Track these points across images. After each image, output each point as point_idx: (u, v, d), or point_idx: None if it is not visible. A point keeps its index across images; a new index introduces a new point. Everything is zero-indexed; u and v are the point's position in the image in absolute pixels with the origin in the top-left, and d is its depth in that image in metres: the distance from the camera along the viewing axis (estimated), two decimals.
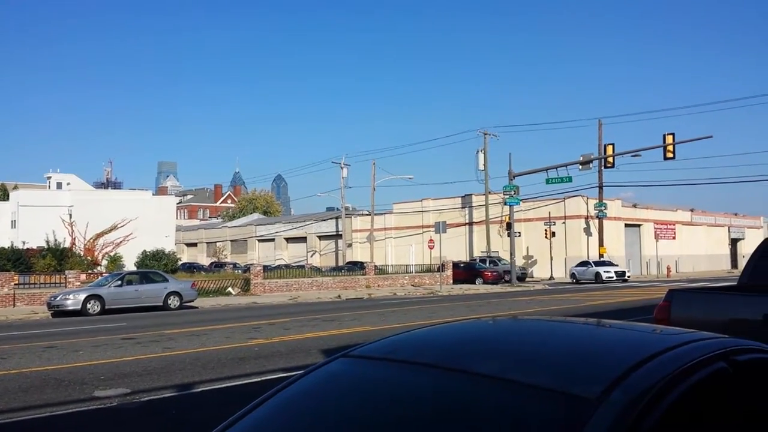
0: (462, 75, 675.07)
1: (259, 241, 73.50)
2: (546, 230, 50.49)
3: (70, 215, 51.24)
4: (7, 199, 58.37)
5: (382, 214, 60.71)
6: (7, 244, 44.51)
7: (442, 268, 41.07)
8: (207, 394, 8.67)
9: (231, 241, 76.64)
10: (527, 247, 53.28)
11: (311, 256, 65.73)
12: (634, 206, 58.61)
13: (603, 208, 49.45)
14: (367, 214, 60.13)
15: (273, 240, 71.51)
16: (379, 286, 39.58)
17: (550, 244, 51.02)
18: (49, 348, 13.45)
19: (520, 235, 48.92)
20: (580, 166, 40.86)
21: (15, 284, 27.99)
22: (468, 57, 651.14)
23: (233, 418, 2.36)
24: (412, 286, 40.78)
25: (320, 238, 67.14)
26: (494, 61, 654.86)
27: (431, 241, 39.93)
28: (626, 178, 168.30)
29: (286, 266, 50.77)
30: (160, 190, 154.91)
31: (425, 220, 57.38)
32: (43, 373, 10.31)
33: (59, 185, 65.20)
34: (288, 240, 70.77)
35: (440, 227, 37.44)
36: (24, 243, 45.47)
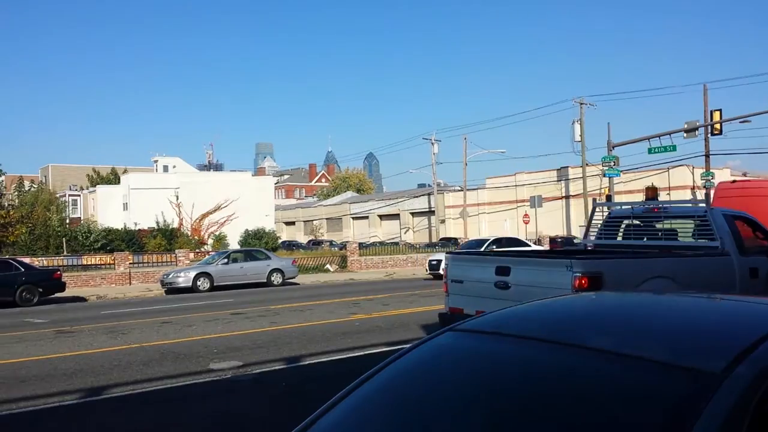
0: (555, 43, 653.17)
1: (353, 218, 74.72)
2: None
3: (177, 197, 53.98)
4: (119, 182, 62.12)
5: (474, 189, 60.12)
6: (120, 226, 47.41)
7: (538, 242, 40.35)
8: (315, 367, 9.02)
9: (326, 219, 78.33)
10: None
11: (405, 232, 66.19)
12: (744, 175, 55.09)
13: (710, 177, 46.73)
14: (459, 190, 59.77)
15: (367, 217, 72.49)
16: None
17: None
18: (165, 323, 14.36)
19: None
20: (685, 134, 38.73)
21: (130, 263, 29.91)
22: (560, 25, 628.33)
23: (346, 390, 2.39)
24: None
25: (413, 214, 67.42)
26: (588, 27, 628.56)
27: (526, 215, 39.28)
28: (734, 145, 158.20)
29: (381, 243, 51.39)
30: (259, 171, 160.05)
31: (519, 195, 56.37)
32: (162, 347, 11.05)
33: (165, 168, 68.73)
34: (381, 217, 71.52)
35: (535, 201, 36.74)
36: (136, 224, 48.30)
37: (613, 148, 41.11)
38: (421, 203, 66.00)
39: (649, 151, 39.35)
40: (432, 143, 54.54)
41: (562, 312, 2.60)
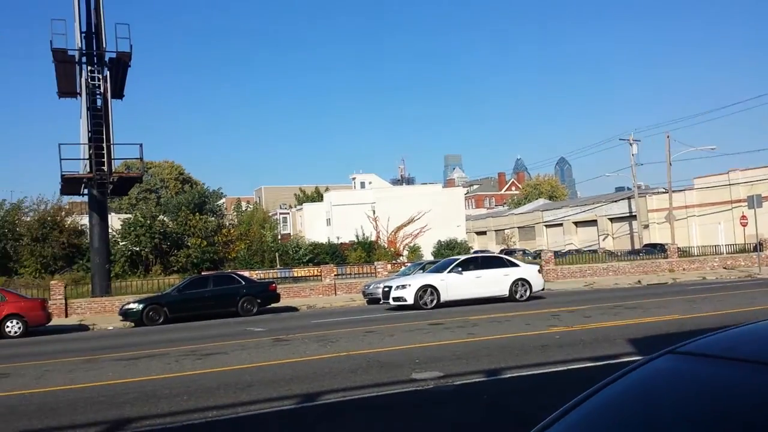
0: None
1: (546, 226, 72.72)
2: None
3: (374, 211, 56.48)
4: (322, 200, 66.48)
5: (680, 190, 55.55)
6: (324, 240, 50.64)
7: (759, 247, 36.19)
8: (515, 381, 8.91)
9: (518, 227, 77.08)
10: None
11: (603, 239, 62.99)
12: None
13: None
14: (663, 192, 55.59)
15: (561, 225, 70.13)
16: (683, 269, 36.36)
17: None
18: (368, 333, 15.05)
19: None
20: None
21: (335, 275, 31.83)
22: None
23: (562, 410, 2.34)
24: (724, 269, 36.66)
25: (611, 220, 63.97)
26: None
27: (743, 217, 35.48)
28: None
29: (577, 251, 49.43)
30: (448, 183, 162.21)
31: (734, 195, 51.07)
32: (367, 355, 11.58)
33: (363, 185, 72.31)
34: (576, 224, 68.76)
35: (754, 201, 33.09)
36: (338, 238, 51.36)
37: None
38: (620, 208, 62.45)
39: None
40: (630, 144, 51.45)
41: None
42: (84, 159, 27.99)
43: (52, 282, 28.49)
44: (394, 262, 40.68)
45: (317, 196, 74.14)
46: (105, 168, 27.75)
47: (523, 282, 21.97)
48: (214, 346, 14.11)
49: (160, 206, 57.40)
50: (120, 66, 28.81)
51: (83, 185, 29.11)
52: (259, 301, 23.09)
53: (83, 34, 28.40)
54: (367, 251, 44.82)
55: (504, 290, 21.65)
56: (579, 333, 13.14)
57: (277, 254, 41.31)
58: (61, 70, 28.56)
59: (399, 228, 56.30)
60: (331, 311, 23.30)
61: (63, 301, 26.43)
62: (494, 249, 70.11)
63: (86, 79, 28.25)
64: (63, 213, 47.55)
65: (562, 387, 8.41)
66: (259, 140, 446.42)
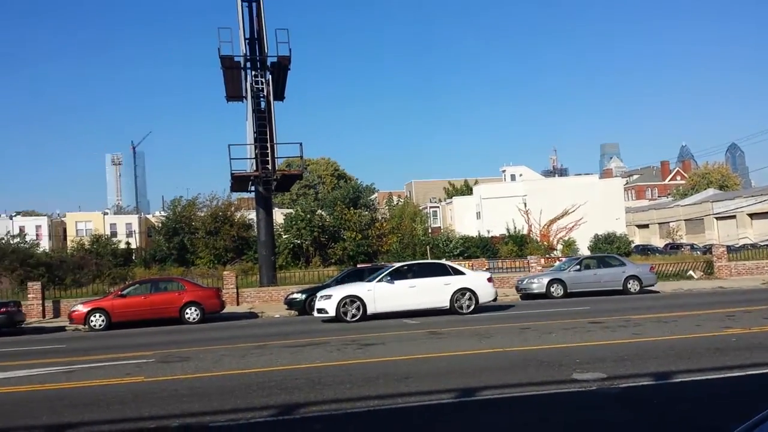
0: None
1: (716, 218, 67.12)
2: None
3: (525, 204, 55.33)
4: (471, 193, 66.22)
5: None
6: (474, 233, 50.45)
7: None
8: (686, 386, 8.34)
9: (684, 220, 71.86)
10: None
11: None
12: None
13: None
14: None
15: (733, 217, 64.39)
16: None
17: None
18: (524, 329, 14.80)
19: None
20: None
21: (485, 269, 31.59)
22: None
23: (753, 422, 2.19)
24: None
25: None
26: None
27: None
28: None
29: (753, 246, 45.19)
30: (605, 173, 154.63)
31: None
32: (524, 352, 11.39)
33: (513, 177, 71.06)
34: (751, 216, 62.80)
35: None
36: (488, 231, 50.92)
37: None
38: None
39: None
40: None
41: None
42: (251, 158, 29.97)
43: (225, 272, 30.88)
44: (547, 256, 39.62)
45: (466, 190, 73.93)
46: (269, 166, 29.54)
47: (467, 292, 19.35)
48: (372, 337, 14.57)
49: (318, 201, 60.20)
50: (281, 69, 30.46)
51: (250, 182, 31.19)
52: None
53: (247, 41, 30.33)
54: (518, 245, 44.05)
55: (444, 301, 19.21)
56: (760, 336, 12.04)
57: (428, 247, 41.79)
58: (229, 75, 30.70)
59: (552, 221, 54.71)
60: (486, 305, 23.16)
61: (235, 290, 28.56)
62: (658, 243, 66.02)
63: (251, 84, 30.19)
64: (233, 208, 51.40)
65: (746, 394, 7.78)
66: (409, 135, 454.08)
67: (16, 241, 43.60)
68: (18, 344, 18.07)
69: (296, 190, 73.38)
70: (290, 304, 23.56)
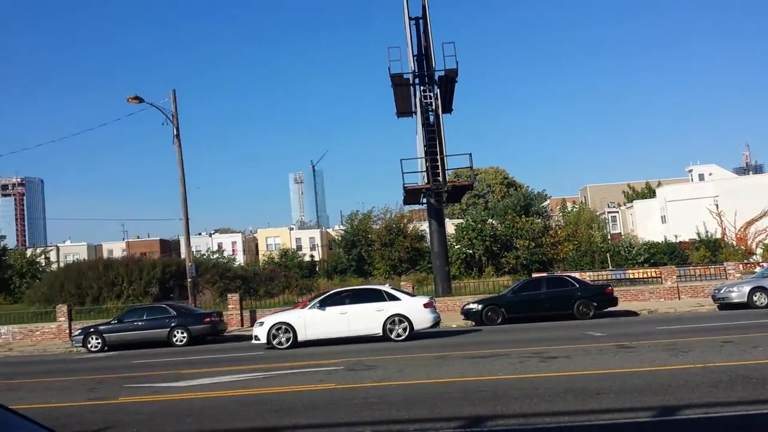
0: None
1: None
2: None
3: (717, 205, 50.90)
4: (654, 196, 62.06)
5: None
6: (659, 239, 47.19)
7: None
8: None
9: None
10: None
11: None
12: None
13: None
14: None
15: None
16: None
17: None
18: (726, 342, 13.53)
19: None
20: None
21: (676, 277, 29.40)
22: None
23: None
24: None
25: None
26: None
27: None
28: None
29: None
30: None
31: None
32: (728, 368, 10.40)
33: (701, 177, 65.60)
34: None
35: None
36: (676, 236, 47.35)
37: None
38: None
39: None
40: None
41: None
42: (421, 171, 30.58)
43: (402, 282, 31.66)
44: (746, 261, 36.03)
45: (648, 192, 69.44)
46: (440, 178, 29.94)
47: (401, 319, 18.43)
48: (556, 349, 14.14)
49: (488, 210, 59.84)
50: (448, 82, 30.86)
51: (422, 195, 31.80)
52: (595, 304, 22.48)
53: (415, 57, 31.14)
54: (711, 250, 40.52)
55: (376, 328, 18.49)
56: None
57: (607, 255, 39.82)
58: (398, 92, 31.67)
59: (749, 223, 49.70)
60: (677, 317, 21.55)
61: None
62: None
63: (419, 99, 30.89)
64: (405, 220, 52.75)
65: None
66: (581, 140, 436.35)
67: (215, 256, 48.17)
68: (221, 351, 19.89)
69: (466, 200, 73.49)
70: (467, 314, 23.59)
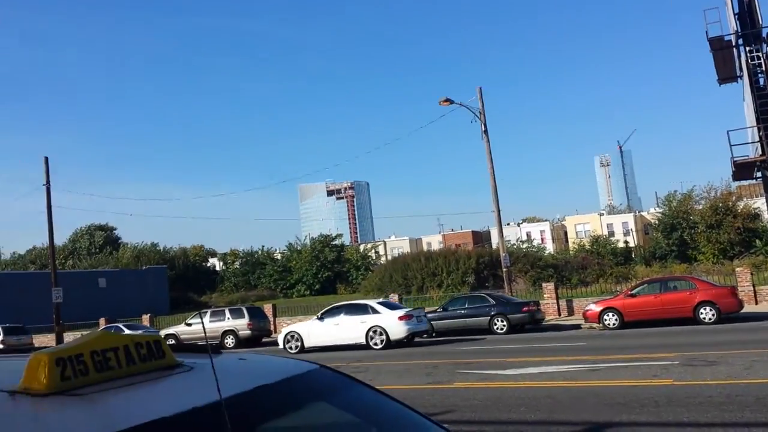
0: None
1: None
2: None
3: None
4: None
5: None
6: None
7: None
8: None
9: None
10: None
11: None
12: None
13: None
14: None
15: None
16: None
17: None
18: None
19: None
20: None
21: None
22: None
23: None
24: None
25: None
26: None
27: None
28: None
29: None
30: None
31: None
32: None
33: None
34: None
35: None
36: None
37: None
38: None
39: None
40: None
41: None
42: (754, 142, 27.06)
43: (737, 269, 28.42)
44: None
45: None
46: None
47: (379, 329, 21.00)
48: None
49: None
50: None
51: (755, 168, 28.13)
52: None
53: (736, 15, 27.72)
54: None
55: (360, 338, 21.31)
56: None
57: None
58: (719, 57, 28.46)
59: None
60: None
61: (751, 288, 26.08)
62: None
63: (746, 61, 27.35)
64: (734, 198, 47.09)
65: None
66: None
67: (525, 245, 48.82)
68: (541, 341, 20.16)
69: None
70: None
